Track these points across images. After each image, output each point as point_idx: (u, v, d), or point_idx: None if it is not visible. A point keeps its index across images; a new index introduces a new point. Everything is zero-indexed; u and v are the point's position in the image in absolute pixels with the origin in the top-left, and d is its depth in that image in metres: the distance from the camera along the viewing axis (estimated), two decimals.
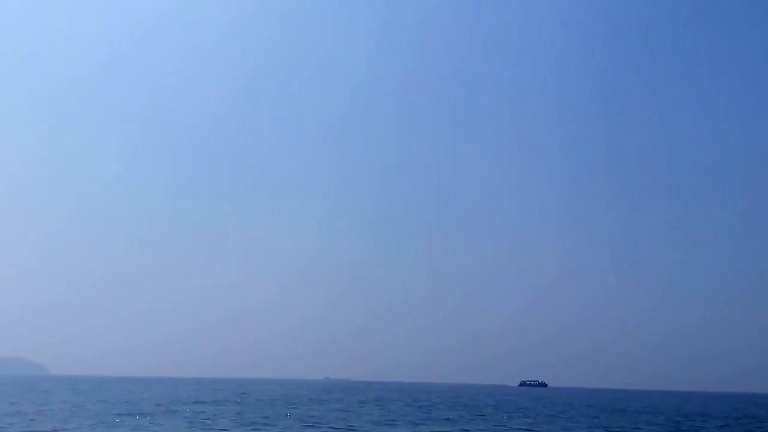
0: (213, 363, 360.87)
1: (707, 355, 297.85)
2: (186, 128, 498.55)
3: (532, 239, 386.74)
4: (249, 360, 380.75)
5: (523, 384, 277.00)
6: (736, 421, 59.76)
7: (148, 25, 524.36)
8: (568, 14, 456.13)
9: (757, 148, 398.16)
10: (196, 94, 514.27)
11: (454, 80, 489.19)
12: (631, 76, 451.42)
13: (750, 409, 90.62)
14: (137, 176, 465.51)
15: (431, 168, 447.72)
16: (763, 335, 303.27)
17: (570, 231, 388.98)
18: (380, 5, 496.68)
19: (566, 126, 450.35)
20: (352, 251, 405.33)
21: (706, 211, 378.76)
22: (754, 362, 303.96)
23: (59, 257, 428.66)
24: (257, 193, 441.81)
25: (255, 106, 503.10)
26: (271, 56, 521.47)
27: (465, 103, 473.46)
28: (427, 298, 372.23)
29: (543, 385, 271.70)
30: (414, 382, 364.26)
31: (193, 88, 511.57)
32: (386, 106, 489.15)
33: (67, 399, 71.33)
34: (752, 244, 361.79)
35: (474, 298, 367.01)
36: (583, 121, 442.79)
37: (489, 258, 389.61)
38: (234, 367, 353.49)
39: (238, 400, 73.17)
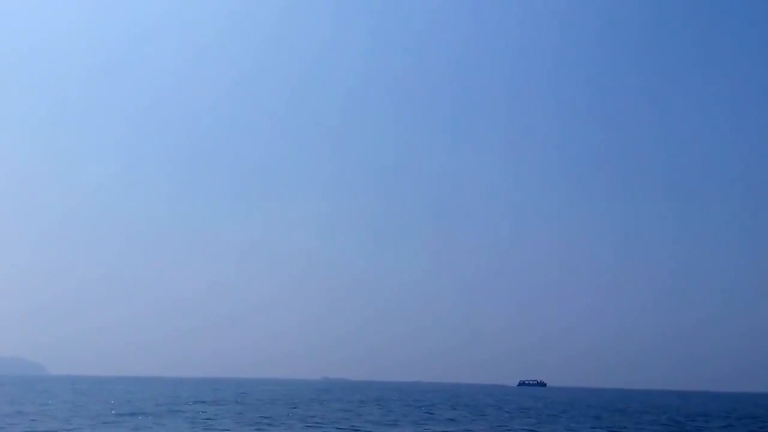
0: (211, 363, 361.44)
1: (705, 355, 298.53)
2: (183, 128, 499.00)
3: (530, 238, 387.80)
4: (247, 360, 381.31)
5: (522, 384, 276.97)
6: (738, 421, 59.68)
7: (145, 24, 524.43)
8: (565, 13, 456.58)
9: (756, 147, 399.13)
10: (193, 94, 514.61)
11: (451, 79, 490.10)
12: (628, 75, 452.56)
13: (750, 409, 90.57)
14: (135, 176, 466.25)
15: (429, 167, 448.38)
16: (762, 335, 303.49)
17: (568, 230, 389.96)
18: (377, 4, 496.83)
19: (564, 125, 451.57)
20: (351, 251, 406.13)
21: (705, 210, 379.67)
22: (753, 362, 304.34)
23: (58, 257, 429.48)
24: (255, 192, 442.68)
25: (253, 105, 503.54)
26: (269, 55, 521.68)
27: (463, 102, 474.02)
28: (425, 298, 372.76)
29: (542, 384, 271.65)
30: (412, 381, 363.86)
31: (190, 88, 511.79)
32: (384, 105, 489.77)
33: (67, 399, 71.16)
34: (751, 243, 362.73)
35: (472, 297, 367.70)
36: (581, 120, 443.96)
37: (487, 257, 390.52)
38: (232, 367, 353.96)
39: (239, 400, 73.01)
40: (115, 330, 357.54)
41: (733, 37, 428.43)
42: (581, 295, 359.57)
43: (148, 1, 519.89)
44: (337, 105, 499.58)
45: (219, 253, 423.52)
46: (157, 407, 57.42)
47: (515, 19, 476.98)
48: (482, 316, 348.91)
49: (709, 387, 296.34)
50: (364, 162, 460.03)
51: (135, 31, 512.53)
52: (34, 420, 42.03)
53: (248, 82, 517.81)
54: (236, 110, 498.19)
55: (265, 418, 47.83)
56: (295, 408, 61.31)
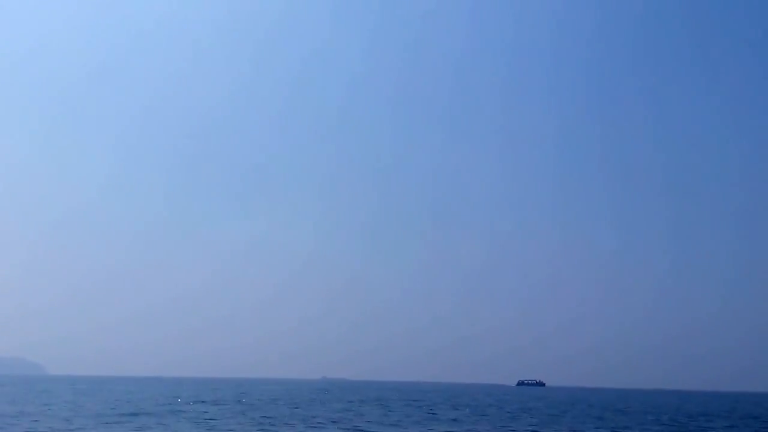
0: (209, 363, 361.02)
1: (704, 355, 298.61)
2: (182, 128, 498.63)
3: (528, 238, 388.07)
4: (246, 360, 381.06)
5: (520, 383, 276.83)
6: (741, 421, 59.61)
7: (143, 25, 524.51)
8: (562, 12, 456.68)
9: (754, 146, 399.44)
10: (191, 94, 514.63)
11: (448, 79, 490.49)
12: (626, 74, 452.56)
13: (751, 409, 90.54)
14: (134, 176, 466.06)
15: (427, 167, 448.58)
16: (760, 334, 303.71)
17: (566, 230, 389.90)
18: (375, 4, 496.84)
19: (561, 125, 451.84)
20: (349, 250, 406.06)
21: (704, 209, 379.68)
22: (751, 361, 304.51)
23: (57, 257, 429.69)
24: (253, 192, 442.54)
25: (250, 105, 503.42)
26: (267, 55, 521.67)
27: (460, 102, 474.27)
28: (424, 297, 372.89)
29: (541, 384, 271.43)
30: (411, 381, 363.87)
31: (188, 88, 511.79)
32: (381, 105, 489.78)
33: (67, 399, 71.05)
34: (750, 242, 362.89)
35: (470, 297, 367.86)
36: (579, 120, 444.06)
37: (485, 257, 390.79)
38: (231, 367, 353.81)
39: (239, 400, 72.91)
40: (113, 330, 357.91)
41: (730, 36, 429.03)
42: (579, 294, 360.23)
43: (146, 1, 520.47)
44: (334, 105, 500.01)
45: (217, 253, 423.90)
46: (158, 407, 57.32)
47: (512, 18, 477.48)
48: (480, 316, 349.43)
49: (708, 387, 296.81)
50: (361, 162, 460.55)
51: (134, 31, 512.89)
52: (36, 420, 41.92)
53: (245, 82, 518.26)
54: (234, 110, 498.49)
55: (268, 418, 47.75)
56: (296, 408, 61.21)
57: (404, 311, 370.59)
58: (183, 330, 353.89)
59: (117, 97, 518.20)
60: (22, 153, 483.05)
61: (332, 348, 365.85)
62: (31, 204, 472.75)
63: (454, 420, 50.43)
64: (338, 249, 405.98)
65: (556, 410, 69.38)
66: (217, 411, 53.94)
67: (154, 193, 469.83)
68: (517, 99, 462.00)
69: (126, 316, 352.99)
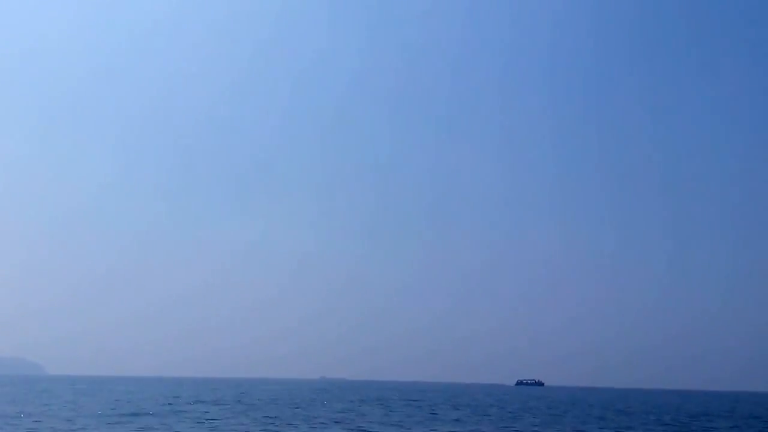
0: (208, 363, 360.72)
1: (702, 354, 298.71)
2: (180, 128, 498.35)
3: (526, 238, 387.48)
4: (244, 360, 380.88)
5: (519, 383, 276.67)
6: (744, 421, 59.51)
7: (142, 26, 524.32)
8: (560, 12, 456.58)
9: (753, 146, 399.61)
10: (189, 95, 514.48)
11: (446, 79, 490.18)
12: (623, 74, 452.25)
13: (751, 409, 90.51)
14: (133, 176, 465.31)
15: (425, 167, 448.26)
16: (759, 334, 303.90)
17: (564, 229, 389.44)
18: (372, 4, 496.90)
19: (559, 125, 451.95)
20: (347, 250, 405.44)
21: (702, 209, 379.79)
22: (749, 361, 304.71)
23: (56, 257, 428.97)
24: (251, 193, 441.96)
25: (248, 105, 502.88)
26: (265, 56, 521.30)
27: (458, 101, 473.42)
28: (422, 297, 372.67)
29: (540, 384, 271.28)
30: (409, 381, 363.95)
31: (186, 89, 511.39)
32: (379, 104, 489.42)
33: (68, 399, 70.97)
34: (749, 241, 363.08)
35: (469, 297, 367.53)
36: (576, 120, 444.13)
37: (484, 257, 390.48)
38: (229, 367, 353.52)
39: (239, 400, 72.81)
40: (112, 330, 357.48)
41: (728, 37, 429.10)
42: (578, 294, 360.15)
43: (145, 3, 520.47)
44: (332, 105, 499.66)
45: (214, 253, 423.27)
46: (159, 407, 57.24)
47: (510, 18, 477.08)
48: (478, 316, 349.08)
49: (706, 386, 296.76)
50: (360, 161, 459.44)
51: (133, 31, 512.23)
52: (38, 421, 41.81)
53: (244, 82, 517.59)
54: (233, 110, 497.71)
55: (270, 418, 47.65)
56: (297, 408, 61.14)
57: (403, 311, 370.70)
58: (181, 330, 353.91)
59: (115, 98, 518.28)
60: (21, 153, 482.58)
61: (331, 348, 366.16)
62: (30, 204, 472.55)
63: (457, 420, 50.35)
64: (336, 249, 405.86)
65: (557, 410, 69.33)
66: (219, 411, 53.82)
67: (153, 193, 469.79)
68: (515, 99, 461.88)
69: (125, 316, 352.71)
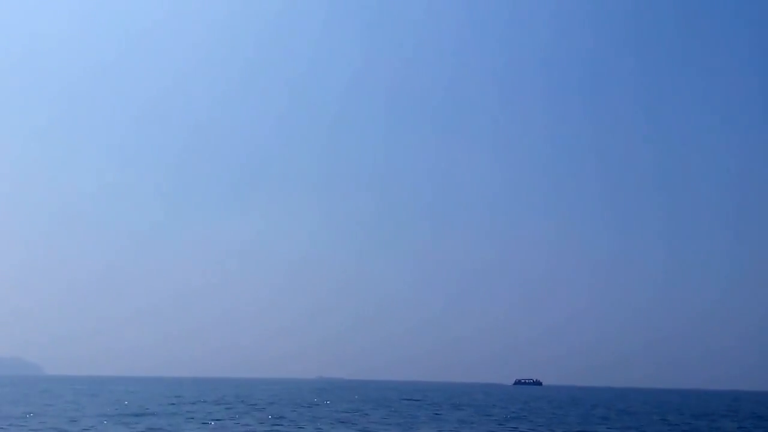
0: (206, 363, 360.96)
1: (699, 354, 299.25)
2: (178, 129, 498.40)
3: (523, 238, 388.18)
4: (242, 360, 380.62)
5: (517, 382, 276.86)
6: (749, 422, 59.45)
7: (140, 27, 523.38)
8: (556, 12, 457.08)
9: (749, 145, 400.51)
10: (187, 96, 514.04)
11: (444, 79, 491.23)
12: (620, 73, 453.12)
13: (752, 408, 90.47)
14: (132, 177, 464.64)
15: (422, 167, 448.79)
16: (755, 333, 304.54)
17: (561, 229, 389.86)
18: (370, 6, 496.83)
19: (555, 126, 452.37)
20: (344, 251, 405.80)
21: (699, 208, 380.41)
22: (746, 360, 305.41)
23: (55, 257, 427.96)
24: (249, 193, 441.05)
25: (246, 107, 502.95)
26: (263, 57, 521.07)
27: (455, 103, 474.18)
28: (419, 297, 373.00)
29: (538, 383, 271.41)
30: (407, 380, 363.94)
31: (184, 90, 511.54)
32: (376, 106, 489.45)
33: (70, 399, 70.90)
34: (745, 240, 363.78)
35: (466, 296, 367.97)
36: (573, 120, 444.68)
37: (480, 257, 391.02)
38: (227, 367, 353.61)
39: (242, 400, 72.74)
40: (110, 330, 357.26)
41: (724, 36, 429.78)
42: (576, 293, 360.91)
43: (143, 5, 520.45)
44: (330, 105, 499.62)
45: (213, 253, 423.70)
46: (161, 407, 57.17)
47: (506, 19, 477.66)
48: (476, 315, 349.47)
49: (703, 385, 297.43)
50: (357, 161, 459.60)
51: (131, 32, 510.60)
52: (43, 421, 41.73)
53: (242, 85, 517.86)
54: (231, 111, 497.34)
55: (275, 418, 47.60)
56: (300, 408, 61.06)
57: (400, 311, 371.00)
58: (179, 330, 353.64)
59: (113, 98, 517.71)
60: (20, 153, 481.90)
61: (328, 347, 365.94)
62: (28, 204, 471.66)
63: (462, 421, 50.25)
64: (333, 249, 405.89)
65: (559, 410, 69.27)
66: (223, 412, 53.73)
67: (152, 194, 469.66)
68: (511, 101, 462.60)
69: (123, 316, 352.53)
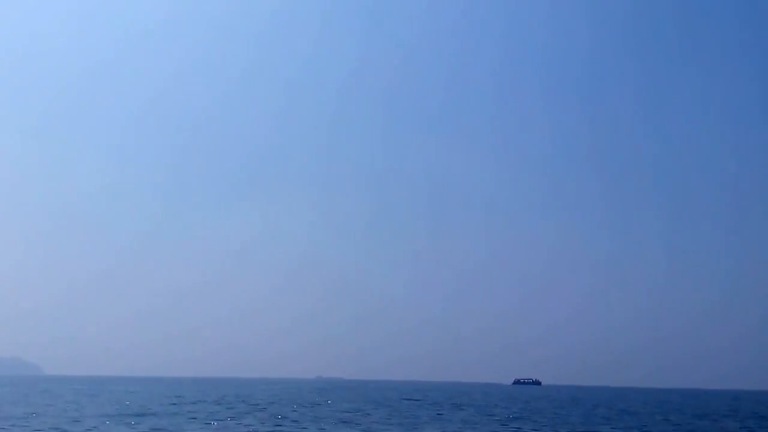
0: (205, 363, 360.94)
1: (699, 353, 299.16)
2: (177, 128, 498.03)
3: (522, 237, 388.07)
4: (242, 359, 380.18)
5: (517, 382, 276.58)
6: (752, 422, 59.36)
7: (139, 27, 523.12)
8: (554, 11, 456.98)
9: (748, 144, 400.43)
10: (186, 95, 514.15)
11: (441, 79, 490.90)
12: (619, 72, 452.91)
13: (752, 407, 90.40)
14: (131, 177, 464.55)
15: (420, 167, 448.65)
16: (754, 332, 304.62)
17: (560, 228, 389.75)
18: (367, 6, 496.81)
19: (555, 124, 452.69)
20: (342, 249, 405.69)
21: (698, 207, 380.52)
22: (745, 359, 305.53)
23: (54, 257, 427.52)
24: (248, 193, 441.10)
25: (244, 107, 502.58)
26: (260, 57, 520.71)
27: (453, 102, 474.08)
28: (418, 297, 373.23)
29: (537, 383, 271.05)
30: (406, 380, 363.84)
31: (182, 89, 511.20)
32: (374, 106, 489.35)
33: (70, 399, 70.81)
34: (745, 240, 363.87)
35: (465, 296, 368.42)
36: (572, 119, 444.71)
37: (480, 256, 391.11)
38: (226, 367, 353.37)
39: (242, 400, 72.67)
40: (109, 330, 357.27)
41: (724, 36, 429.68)
42: (575, 293, 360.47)
43: (141, 5, 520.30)
44: (328, 105, 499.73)
45: (211, 252, 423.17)
46: (162, 407, 57.09)
47: (504, 18, 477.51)
48: (475, 315, 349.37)
49: (702, 385, 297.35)
50: (355, 161, 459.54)
51: (129, 32, 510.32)
52: (45, 422, 41.61)
53: (240, 85, 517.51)
54: (228, 112, 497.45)
55: (277, 418, 47.52)
56: (301, 408, 60.97)
57: (399, 310, 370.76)
58: (178, 330, 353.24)
59: (112, 98, 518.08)
60: (19, 153, 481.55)
61: (327, 347, 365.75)
62: (26, 204, 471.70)
63: (465, 421, 50.15)
64: (332, 248, 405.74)
65: (561, 410, 69.18)
66: (225, 412, 53.64)
67: (150, 193, 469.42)
68: (510, 100, 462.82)
69: (121, 316, 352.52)
